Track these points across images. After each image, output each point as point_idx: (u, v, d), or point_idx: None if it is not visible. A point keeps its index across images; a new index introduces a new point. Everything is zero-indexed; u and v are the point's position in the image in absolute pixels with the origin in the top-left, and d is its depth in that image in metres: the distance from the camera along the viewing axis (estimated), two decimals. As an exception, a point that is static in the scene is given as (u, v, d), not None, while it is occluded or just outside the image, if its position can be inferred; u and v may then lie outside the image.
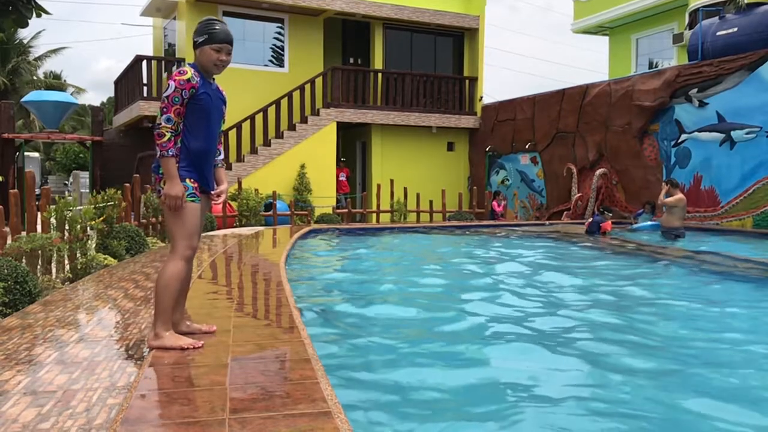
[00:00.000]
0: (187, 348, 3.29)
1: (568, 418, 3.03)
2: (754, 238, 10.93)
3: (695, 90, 12.79)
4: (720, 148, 12.38)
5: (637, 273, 7.57)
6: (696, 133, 12.84)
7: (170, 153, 3.23)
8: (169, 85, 3.27)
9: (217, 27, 3.37)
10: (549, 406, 3.16)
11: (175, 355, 3.21)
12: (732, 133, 12.13)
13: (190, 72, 3.30)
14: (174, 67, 16.14)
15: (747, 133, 11.87)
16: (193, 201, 3.36)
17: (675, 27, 18.00)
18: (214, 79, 3.49)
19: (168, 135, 3.23)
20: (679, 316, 5.37)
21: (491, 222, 14.86)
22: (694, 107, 12.83)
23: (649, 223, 12.19)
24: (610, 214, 11.94)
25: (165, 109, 3.24)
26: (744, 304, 5.87)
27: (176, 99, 3.25)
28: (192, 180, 3.36)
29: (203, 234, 11.03)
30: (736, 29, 12.61)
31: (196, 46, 3.38)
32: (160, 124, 3.24)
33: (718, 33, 12.91)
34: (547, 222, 14.71)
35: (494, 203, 16.31)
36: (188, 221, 3.34)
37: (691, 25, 15.24)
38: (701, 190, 12.72)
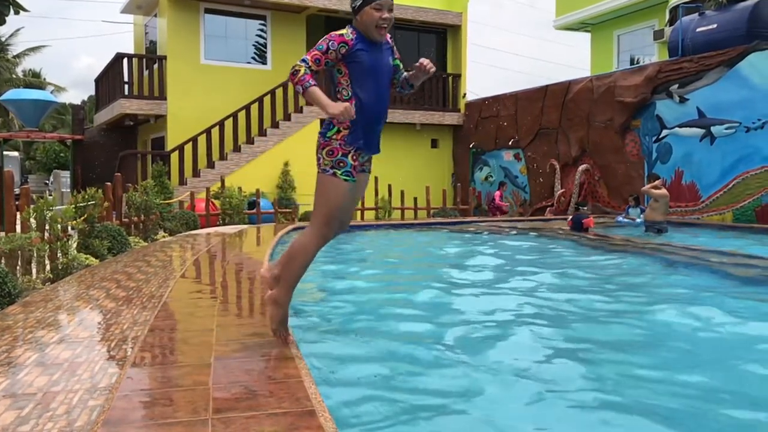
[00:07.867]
0: (277, 335, 3.31)
1: (565, 414, 3.03)
2: (736, 231, 11.05)
3: (676, 86, 12.91)
4: (700, 144, 12.52)
5: (635, 270, 7.63)
6: (677, 128, 12.97)
7: (310, 83, 3.04)
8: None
9: None
10: (546, 405, 3.16)
11: (158, 355, 3.19)
12: (712, 128, 12.27)
13: (347, 29, 3.16)
14: (155, 65, 16.01)
15: (727, 129, 12.01)
16: (346, 180, 3.19)
17: (656, 24, 18.17)
18: (382, 43, 3.24)
19: (302, 70, 3.05)
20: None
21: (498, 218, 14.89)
22: (675, 103, 12.96)
23: (640, 219, 12.26)
24: (584, 209, 12.08)
25: (307, 53, 3.11)
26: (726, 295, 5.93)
27: (321, 46, 3.11)
28: (354, 157, 3.20)
29: (186, 233, 10.95)
30: (715, 26, 12.75)
31: (356, 11, 3.16)
32: (295, 65, 3.08)
33: (698, 29, 13.04)
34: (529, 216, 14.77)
35: (497, 194, 16.20)
36: (332, 198, 3.20)
37: (671, 22, 15.38)
38: (682, 185, 12.85)
